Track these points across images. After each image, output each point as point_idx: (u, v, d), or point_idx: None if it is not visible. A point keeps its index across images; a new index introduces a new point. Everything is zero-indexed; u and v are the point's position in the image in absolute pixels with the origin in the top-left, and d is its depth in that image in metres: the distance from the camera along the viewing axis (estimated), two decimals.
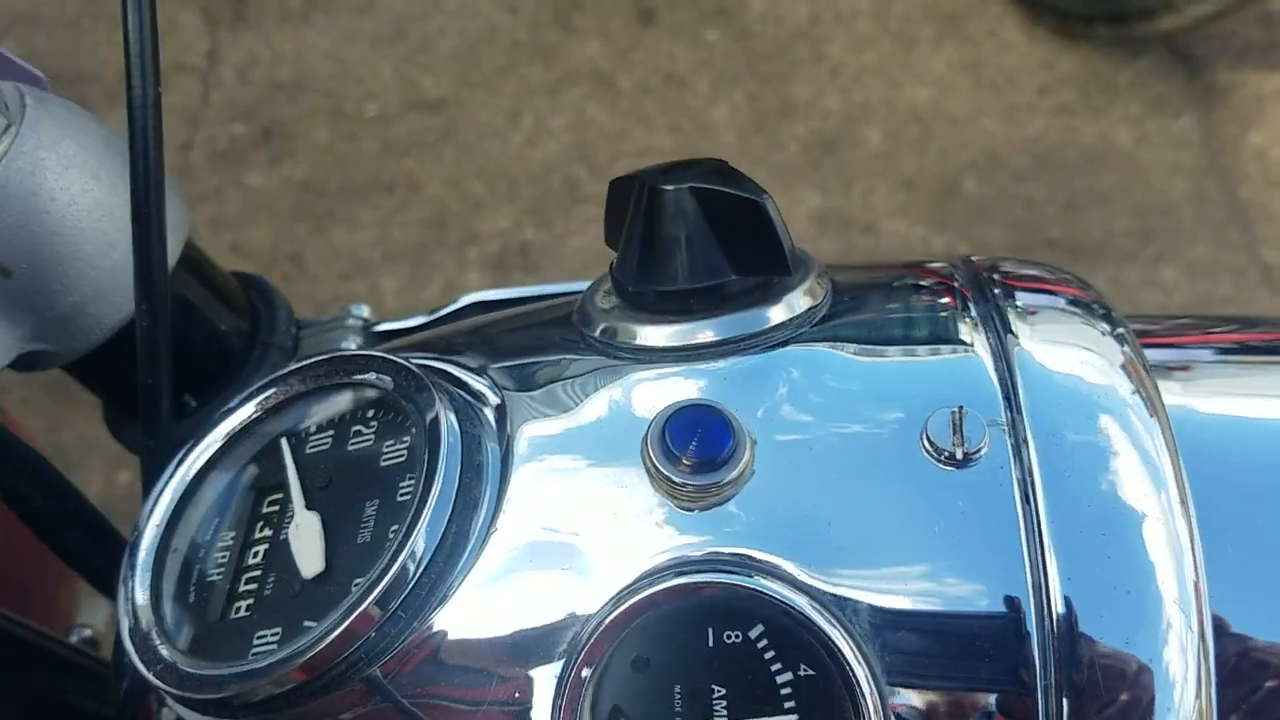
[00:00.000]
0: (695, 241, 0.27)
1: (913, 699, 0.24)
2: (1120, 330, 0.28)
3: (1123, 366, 0.26)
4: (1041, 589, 0.24)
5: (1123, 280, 1.66)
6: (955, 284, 0.28)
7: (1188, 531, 0.25)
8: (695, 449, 0.24)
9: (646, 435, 0.24)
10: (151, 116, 0.30)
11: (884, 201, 1.77)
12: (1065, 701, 0.24)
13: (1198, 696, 0.24)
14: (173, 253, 0.34)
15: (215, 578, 0.27)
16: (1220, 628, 0.26)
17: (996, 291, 0.28)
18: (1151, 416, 0.25)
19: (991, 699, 0.24)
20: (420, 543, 0.24)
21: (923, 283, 0.30)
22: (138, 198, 0.30)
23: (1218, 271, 1.64)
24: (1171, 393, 0.27)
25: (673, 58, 1.95)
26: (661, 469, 0.24)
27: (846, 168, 1.80)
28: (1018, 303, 0.28)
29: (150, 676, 0.25)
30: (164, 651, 0.25)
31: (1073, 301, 0.28)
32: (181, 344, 0.33)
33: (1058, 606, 0.24)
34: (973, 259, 0.32)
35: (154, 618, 0.26)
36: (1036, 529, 0.24)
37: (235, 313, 0.41)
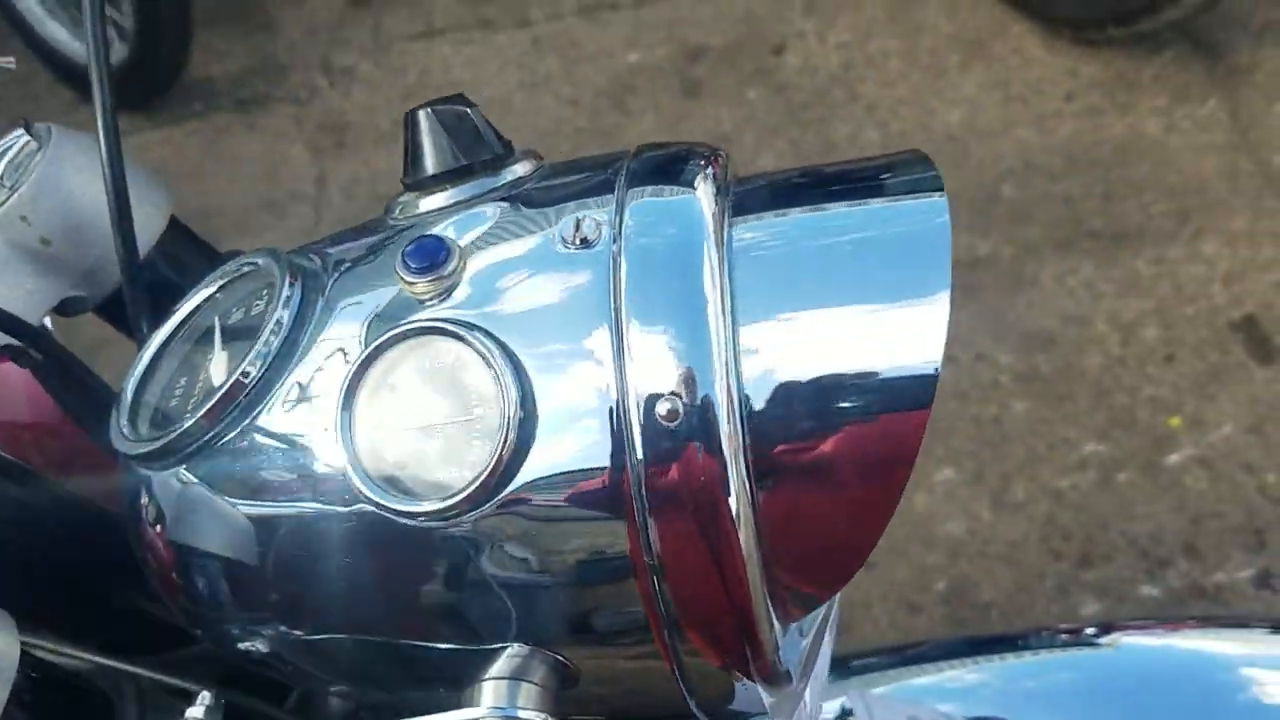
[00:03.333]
0: (437, 141, 0.42)
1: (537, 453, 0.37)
2: (712, 172, 0.41)
3: (702, 196, 0.40)
4: (620, 349, 0.37)
5: (1166, 259, 1.73)
6: (624, 160, 0.43)
7: (723, 311, 0.37)
8: (419, 260, 0.39)
9: (400, 256, 0.39)
10: (111, 121, 0.47)
11: None
12: (642, 470, 0.36)
13: (737, 461, 0.37)
14: (156, 223, 0.52)
15: (168, 407, 0.44)
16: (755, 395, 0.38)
17: (646, 154, 0.43)
18: (711, 227, 0.39)
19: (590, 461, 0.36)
20: (256, 357, 0.39)
21: (598, 157, 0.44)
22: (113, 183, 0.47)
23: (1258, 238, 1.70)
24: (745, 224, 0.41)
25: (718, 120, 2.12)
26: (402, 274, 0.39)
27: None
28: (651, 156, 0.42)
29: (122, 449, 0.41)
30: (128, 436, 0.41)
31: (689, 154, 0.42)
32: (163, 290, 0.50)
33: (629, 361, 0.37)
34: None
35: (129, 423, 0.42)
36: (619, 292, 0.38)
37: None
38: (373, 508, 0.38)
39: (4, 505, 0.51)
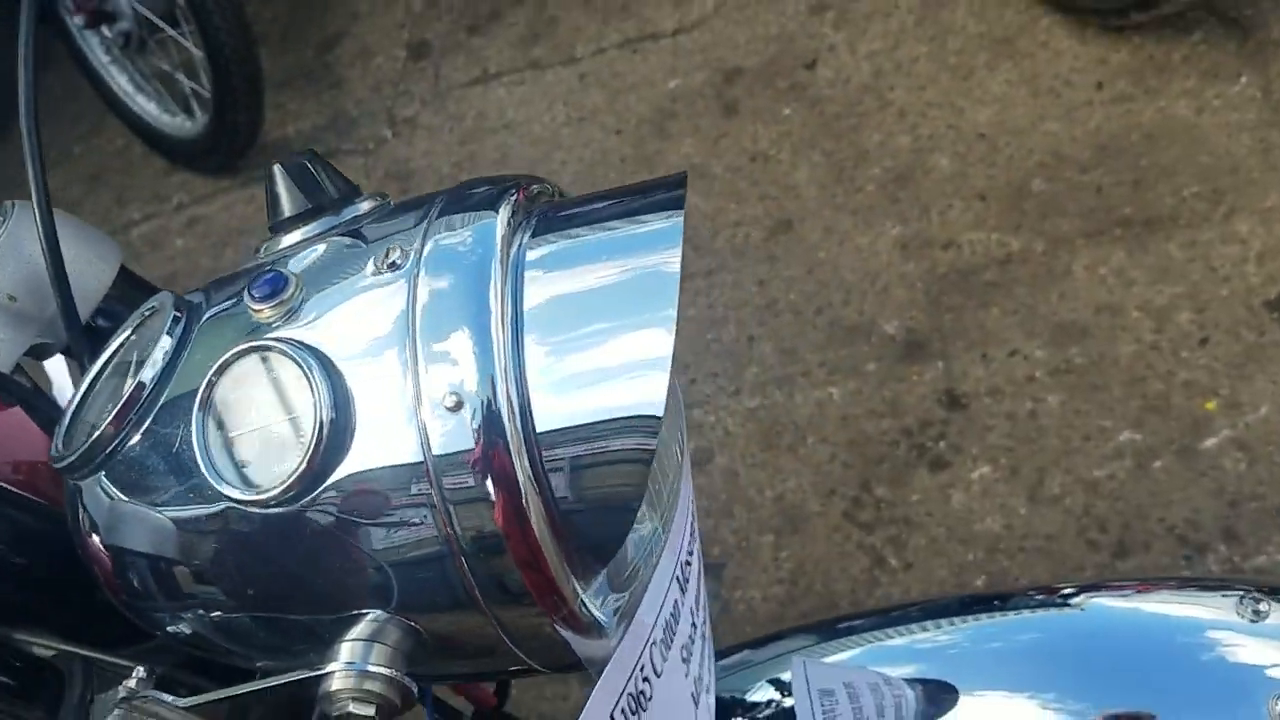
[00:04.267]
0: (289, 189, 0.50)
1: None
2: (515, 199, 0.48)
3: (498, 221, 0.46)
4: (415, 356, 0.45)
5: (1199, 242, 1.71)
6: (442, 194, 0.50)
7: (503, 320, 0.44)
8: (262, 290, 0.46)
9: (247, 288, 0.47)
10: (44, 195, 0.56)
11: (960, 217, 1.90)
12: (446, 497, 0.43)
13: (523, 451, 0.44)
14: (106, 275, 0.61)
15: (95, 426, 0.52)
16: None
17: (461, 189, 0.50)
18: (499, 246, 0.45)
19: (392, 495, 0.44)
20: (147, 374, 0.48)
21: (426, 195, 0.51)
22: (49, 252, 0.56)
23: None
24: (541, 245, 0.47)
25: (755, 138, 2.18)
26: (249, 304, 0.47)
27: (922, 194, 1.96)
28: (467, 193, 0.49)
29: (56, 465, 0.50)
30: (62, 452, 0.50)
31: (502, 183, 0.49)
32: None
33: (421, 367, 0.45)
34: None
35: (64, 443, 0.51)
36: (413, 308, 0.45)
37: None
38: (230, 500, 0.46)
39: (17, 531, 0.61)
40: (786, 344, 1.90)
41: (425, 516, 0.44)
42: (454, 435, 0.43)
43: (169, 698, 0.52)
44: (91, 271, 0.60)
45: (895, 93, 2.11)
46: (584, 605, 0.47)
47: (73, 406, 0.53)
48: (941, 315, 1.81)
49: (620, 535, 0.46)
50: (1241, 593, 0.69)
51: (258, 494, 0.44)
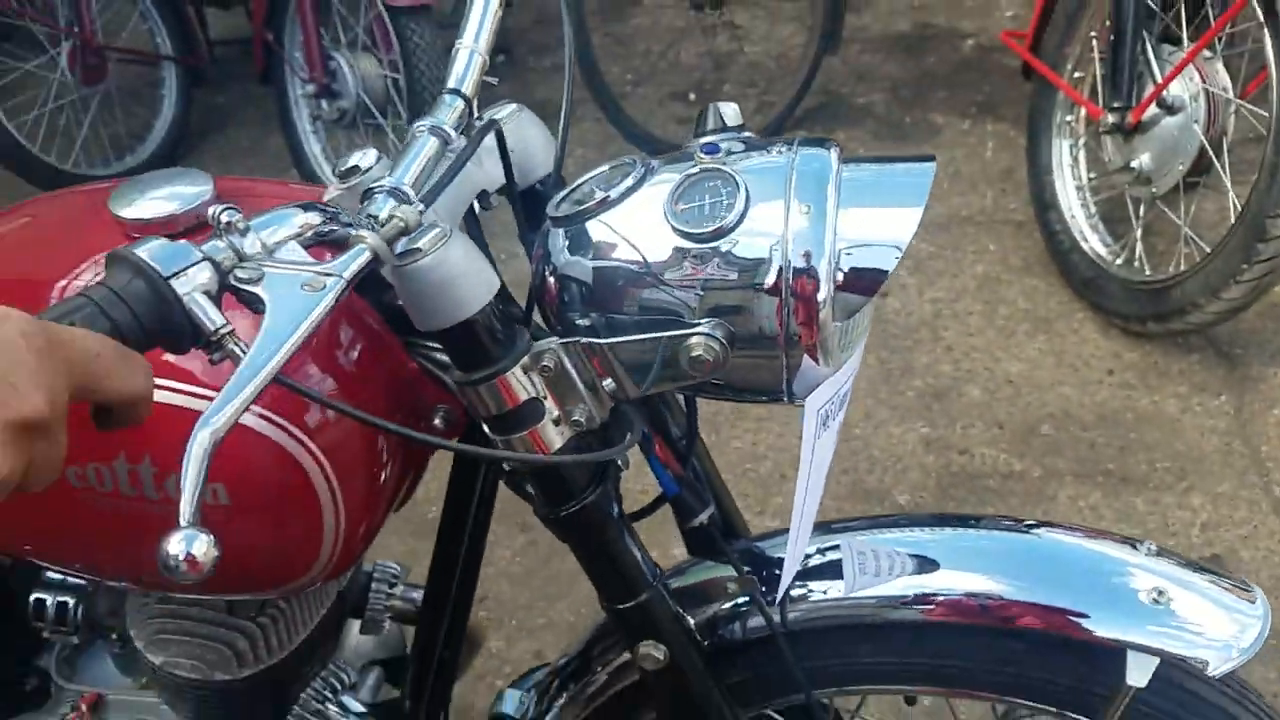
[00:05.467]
0: (718, 119, 0.92)
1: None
2: (838, 149, 0.90)
3: (832, 155, 0.88)
4: (787, 207, 0.85)
5: (1160, 502, 2.12)
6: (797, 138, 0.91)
7: (834, 206, 0.86)
8: (709, 149, 0.88)
9: (697, 147, 0.88)
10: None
11: (979, 435, 2.32)
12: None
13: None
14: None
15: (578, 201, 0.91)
16: None
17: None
18: (835, 167, 0.88)
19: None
20: (615, 191, 0.88)
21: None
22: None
23: (1236, 501, 2.09)
24: (847, 166, 0.89)
25: None
26: (697, 156, 0.88)
27: (951, 411, 2.39)
28: None
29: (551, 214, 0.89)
30: (555, 211, 0.90)
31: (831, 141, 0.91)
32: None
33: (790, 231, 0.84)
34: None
35: (556, 205, 0.90)
36: (791, 177, 0.87)
37: None
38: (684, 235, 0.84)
39: None
40: None
41: (773, 282, 0.82)
42: (801, 239, 0.81)
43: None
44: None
45: (947, 332, 2.59)
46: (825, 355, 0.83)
47: (560, 194, 0.91)
48: (946, 501, 2.20)
49: (860, 313, 0.83)
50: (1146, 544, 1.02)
51: (702, 229, 0.81)
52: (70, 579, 1.22)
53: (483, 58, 0.90)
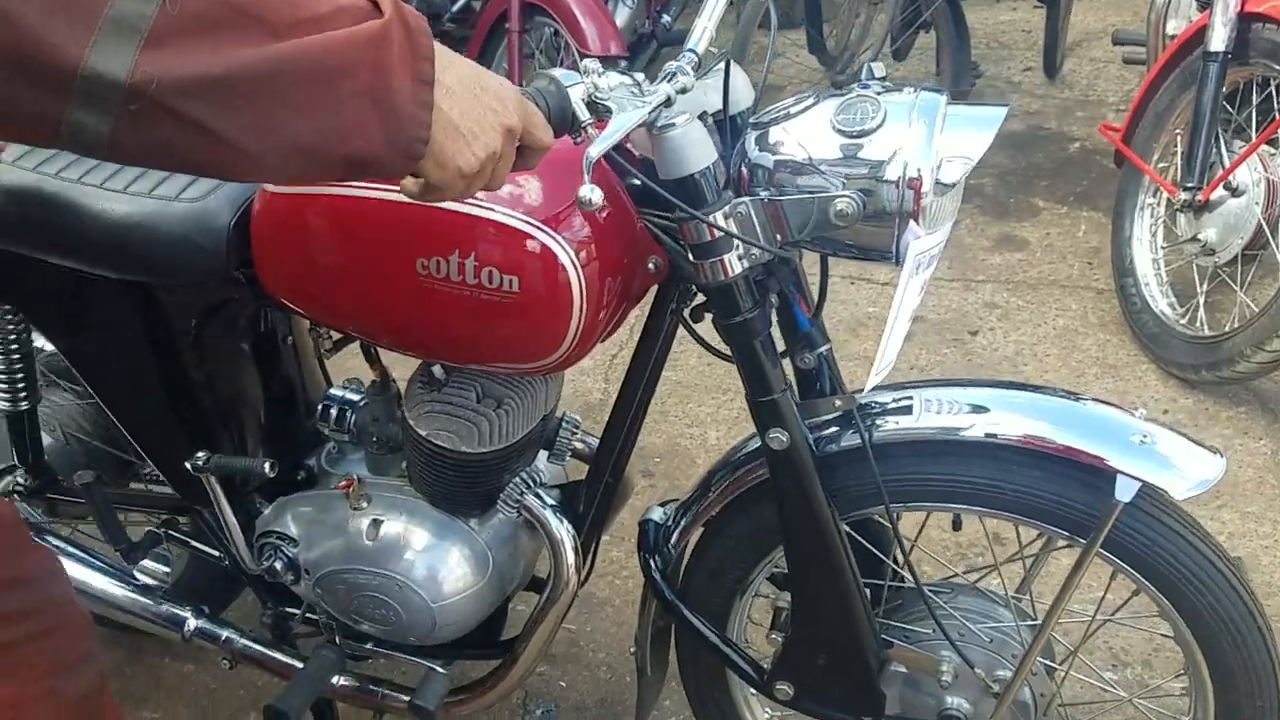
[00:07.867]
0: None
1: None
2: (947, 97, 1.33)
3: (942, 98, 1.32)
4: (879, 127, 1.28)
5: (1195, 515, 2.44)
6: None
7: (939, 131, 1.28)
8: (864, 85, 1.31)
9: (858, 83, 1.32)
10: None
11: None
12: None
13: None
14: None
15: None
16: None
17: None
18: (942, 109, 1.31)
19: None
20: (789, 110, 1.33)
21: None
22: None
23: (1262, 519, 2.41)
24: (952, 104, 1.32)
25: (916, 360, 3.03)
26: (858, 91, 1.31)
27: None
28: None
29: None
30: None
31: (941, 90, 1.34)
32: None
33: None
34: None
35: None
36: (913, 110, 1.30)
37: None
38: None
39: None
40: None
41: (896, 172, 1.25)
42: (916, 146, 1.24)
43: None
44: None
45: (1027, 367, 2.96)
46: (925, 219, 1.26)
47: (756, 117, 1.36)
48: None
49: (947, 196, 1.26)
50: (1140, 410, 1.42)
51: (854, 129, 1.26)
52: (349, 394, 1.69)
53: (711, 33, 1.36)
